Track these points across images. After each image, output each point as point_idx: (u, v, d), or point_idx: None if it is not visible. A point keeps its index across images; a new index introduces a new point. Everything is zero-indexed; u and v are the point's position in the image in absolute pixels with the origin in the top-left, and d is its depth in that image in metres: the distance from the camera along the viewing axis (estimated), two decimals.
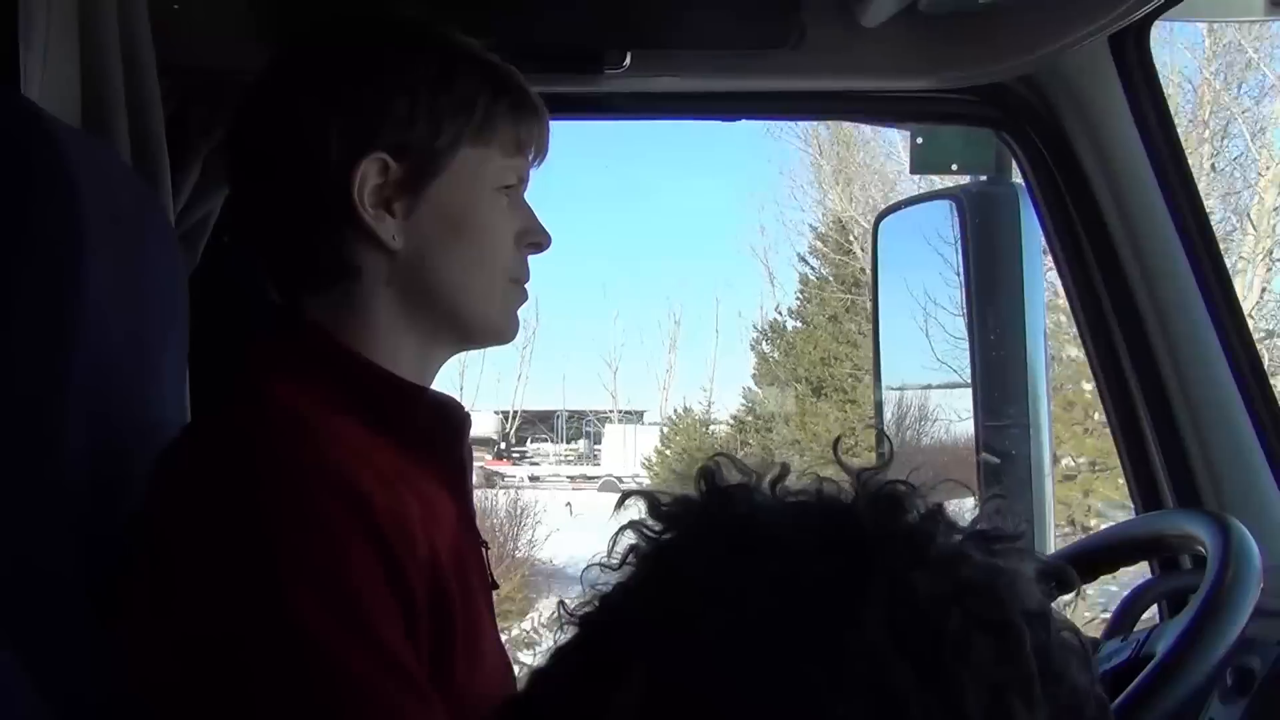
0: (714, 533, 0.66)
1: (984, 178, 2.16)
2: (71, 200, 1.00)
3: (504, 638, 1.27)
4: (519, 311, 1.26)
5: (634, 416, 25.00)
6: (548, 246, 1.27)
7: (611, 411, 22.34)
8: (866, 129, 16.25)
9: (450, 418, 1.21)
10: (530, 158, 1.25)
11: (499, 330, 1.25)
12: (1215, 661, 1.11)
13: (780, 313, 19.45)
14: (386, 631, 1.02)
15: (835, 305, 18.27)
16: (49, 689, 0.93)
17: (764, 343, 19.54)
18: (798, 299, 19.11)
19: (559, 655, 0.69)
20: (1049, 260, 2.00)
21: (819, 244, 18.47)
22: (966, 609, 0.63)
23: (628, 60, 1.67)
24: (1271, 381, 1.76)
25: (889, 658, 0.61)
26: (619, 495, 0.73)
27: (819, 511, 0.66)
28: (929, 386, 2.59)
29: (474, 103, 1.19)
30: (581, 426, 26.88)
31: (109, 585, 1.03)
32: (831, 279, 18.49)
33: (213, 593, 1.00)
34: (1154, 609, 1.65)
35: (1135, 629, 1.37)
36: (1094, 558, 1.47)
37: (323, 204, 1.16)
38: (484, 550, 1.24)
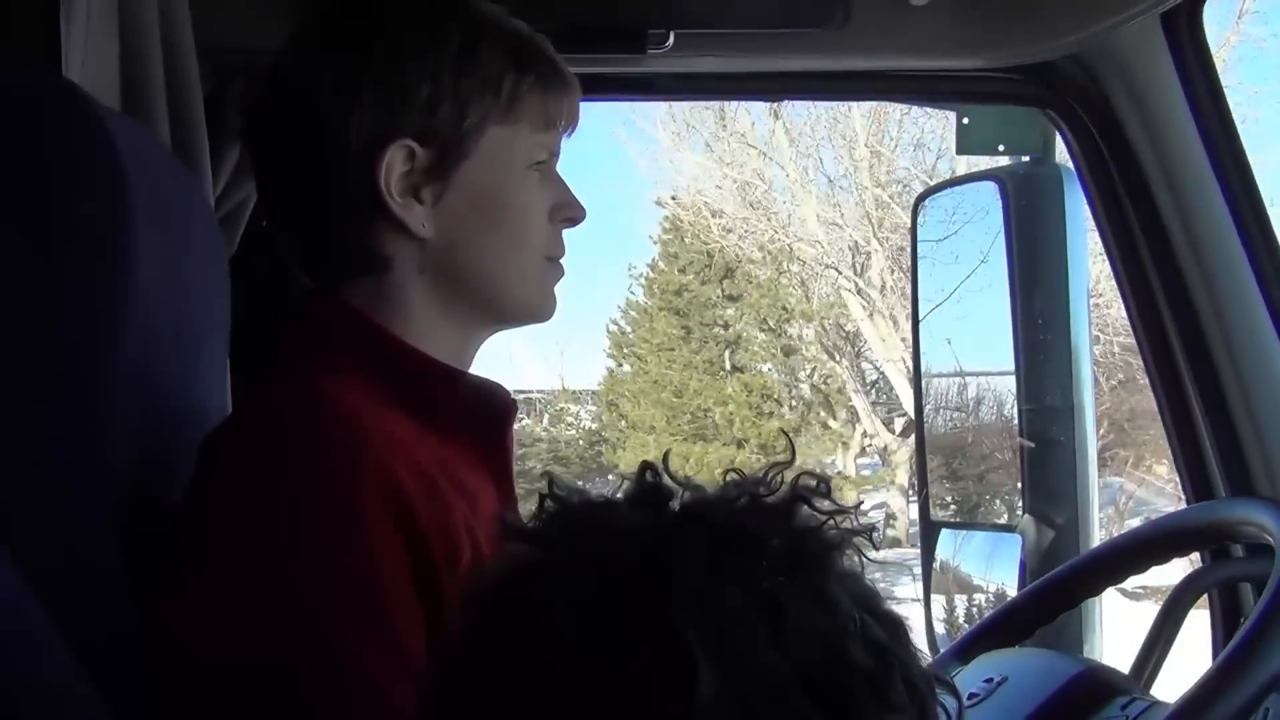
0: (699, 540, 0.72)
1: (1026, 158, 2.13)
2: (118, 183, 0.99)
3: None
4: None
5: (581, 396, 24.97)
6: (582, 220, 1.24)
7: (557, 391, 22.45)
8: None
9: (494, 403, 1.19)
10: (561, 130, 1.23)
11: (537, 310, 1.23)
12: None
13: (633, 291, 20.00)
14: (413, 642, 1.00)
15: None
16: (89, 662, 0.93)
17: (620, 321, 19.97)
18: (641, 283, 19.68)
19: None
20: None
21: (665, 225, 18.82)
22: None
23: (671, 40, 1.65)
24: None
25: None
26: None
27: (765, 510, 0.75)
28: (963, 374, 2.57)
29: (500, 80, 1.16)
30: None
31: (147, 566, 1.03)
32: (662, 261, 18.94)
33: (244, 588, 0.99)
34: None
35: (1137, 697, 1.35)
36: (1149, 549, 1.44)
37: (348, 195, 1.13)
38: None
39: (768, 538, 0.71)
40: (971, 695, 1.35)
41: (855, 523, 0.76)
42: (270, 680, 0.97)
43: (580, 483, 0.77)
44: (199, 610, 1.00)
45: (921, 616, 2.28)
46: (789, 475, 0.76)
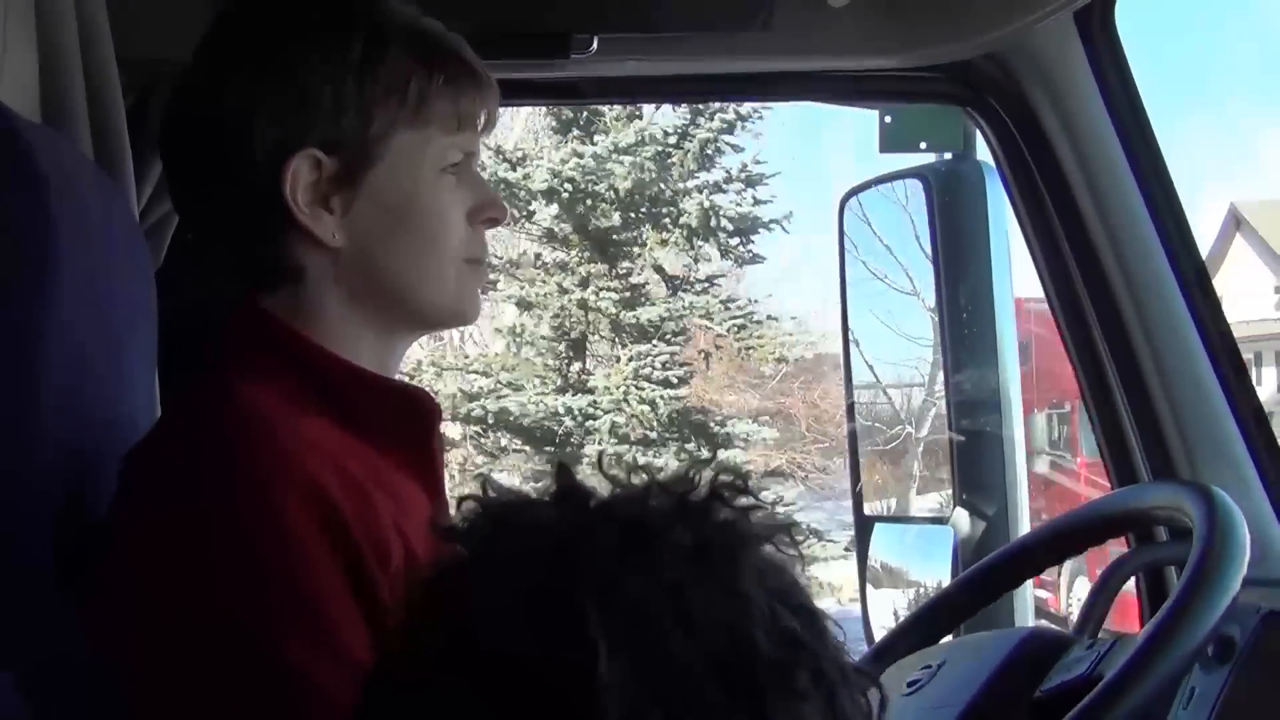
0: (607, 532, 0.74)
1: (949, 155, 2.17)
2: (40, 196, 0.98)
3: None
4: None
5: None
6: (504, 220, 1.23)
7: None
8: None
9: (418, 409, 1.19)
10: (478, 129, 1.21)
11: (457, 313, 1.22)
12: (1208, 631, 1.11)
13: None
14: (354, 642, 1.00)
15: None
16: (24, 677, 0.92)
17: None
18: None
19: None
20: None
21: None
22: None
23: (595, 44, 1.65)
24: None
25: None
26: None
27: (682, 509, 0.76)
28: (883, 386, 2.60)
29: (405, 85, 1.14)
30: None
31: (76, 574, 1.03)
32: None
33: (175, 601, 0.99)
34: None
35: (1099, 636, 1.37)
36: (1074, 536, 1.47)
37: (256, 206, 1.12)
38: None
39: (673, 531, 0.74)
40: (911, 683, 1.37)
41: (774, 519, 0.78)
42: (212, 691, 0.97)
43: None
44: (133, 626, 1.00)
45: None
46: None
